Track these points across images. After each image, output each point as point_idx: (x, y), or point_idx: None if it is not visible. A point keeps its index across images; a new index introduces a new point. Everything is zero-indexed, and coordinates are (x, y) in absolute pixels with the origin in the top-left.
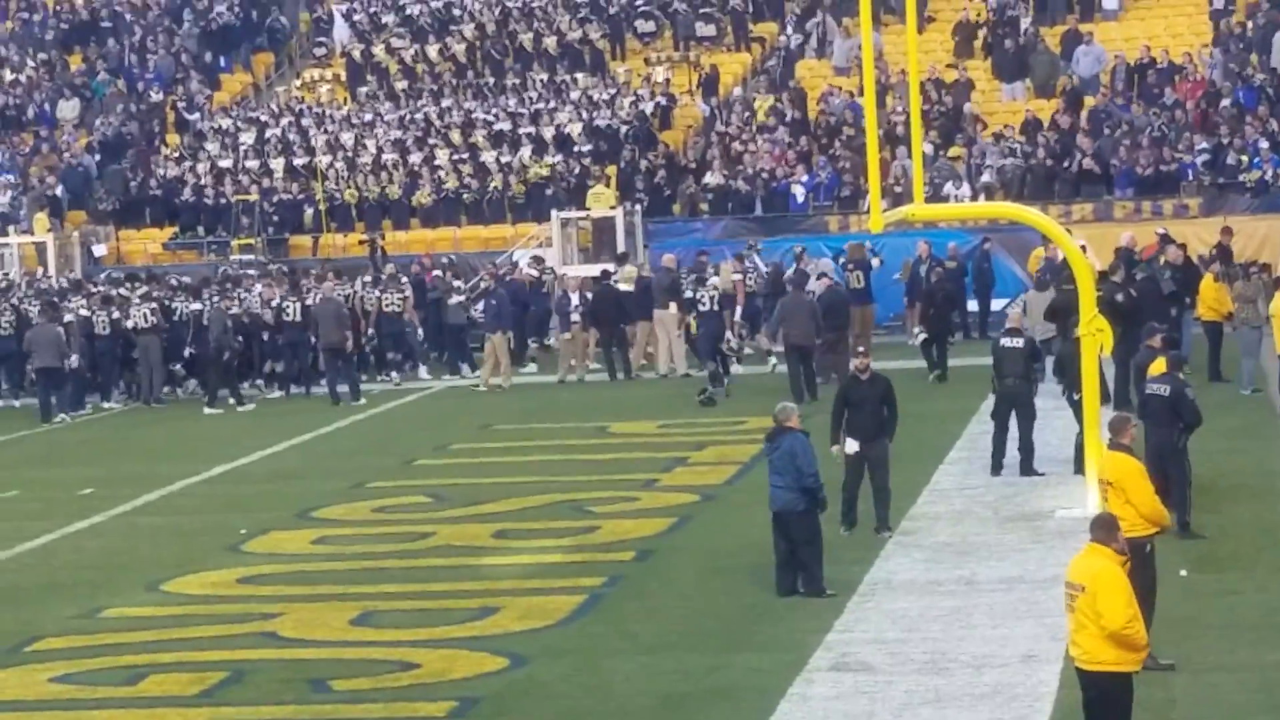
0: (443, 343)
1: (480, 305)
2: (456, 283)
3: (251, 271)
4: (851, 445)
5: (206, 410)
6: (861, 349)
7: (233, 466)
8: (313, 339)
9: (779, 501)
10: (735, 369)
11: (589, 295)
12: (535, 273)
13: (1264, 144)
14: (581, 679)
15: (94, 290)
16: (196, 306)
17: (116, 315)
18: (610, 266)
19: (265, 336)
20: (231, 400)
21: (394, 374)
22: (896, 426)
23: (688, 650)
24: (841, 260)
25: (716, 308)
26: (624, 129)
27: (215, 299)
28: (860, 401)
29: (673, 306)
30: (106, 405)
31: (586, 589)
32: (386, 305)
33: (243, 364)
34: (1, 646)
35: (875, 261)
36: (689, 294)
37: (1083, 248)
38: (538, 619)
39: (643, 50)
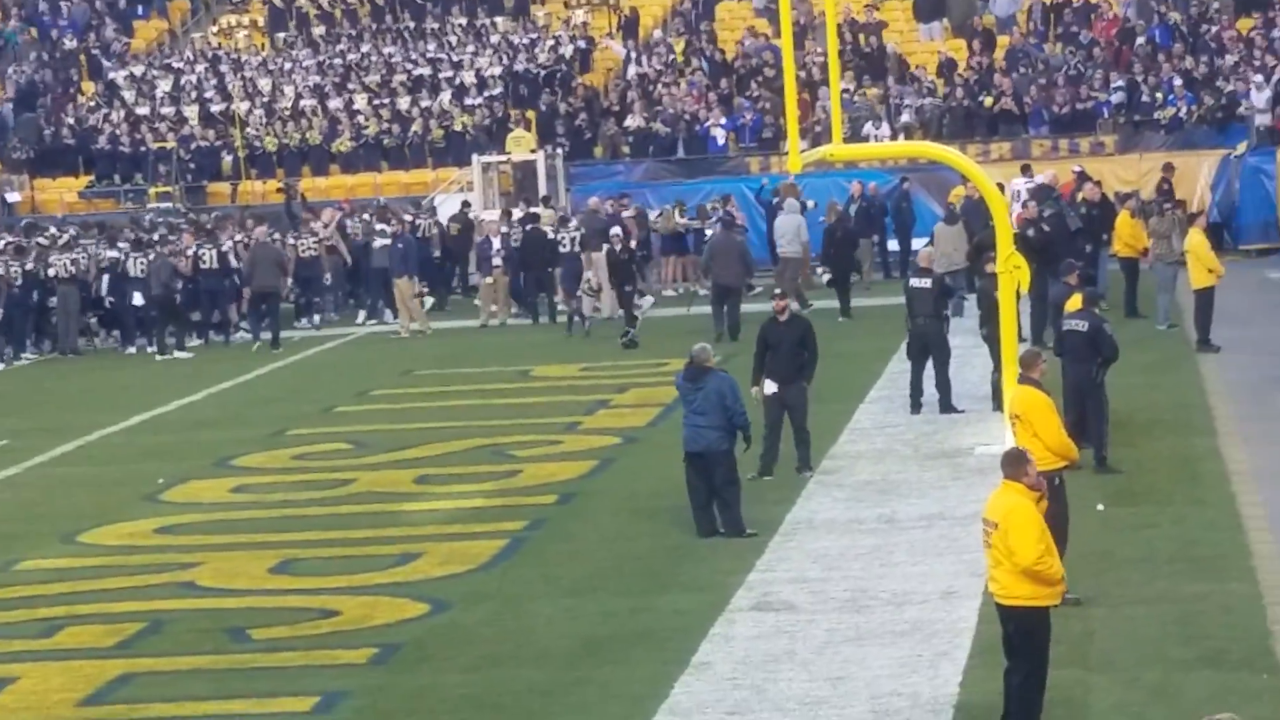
0: (365, 288)
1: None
2: (380, 226)
3: (174, 220)
4: (770, 386)
5: (159, 358)
6: (779, 290)
7: (151, 416)
8: (237, 285)
9: (701, 441)
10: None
11: (514, 239)
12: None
13: (1178, 81)
14: (503, 623)
15: (9, 241)
16: (113, 254)
17: (31, 266)
18: (536, 209)
19: (180, 285)
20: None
21: (316, 318)
22: (815, 368)
23: (610, 593)
24: (775, 200)
25: (577, 249)
26: (543, 73)
27: (159, 247)
28: (778, 343)
29: (604, 249)
30: (23, 356)
31: (508, 533)
32: (303, 251)
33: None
34: None
35: (809, 204)
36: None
37: (1000, 186)
38: (459, 564)
39: None
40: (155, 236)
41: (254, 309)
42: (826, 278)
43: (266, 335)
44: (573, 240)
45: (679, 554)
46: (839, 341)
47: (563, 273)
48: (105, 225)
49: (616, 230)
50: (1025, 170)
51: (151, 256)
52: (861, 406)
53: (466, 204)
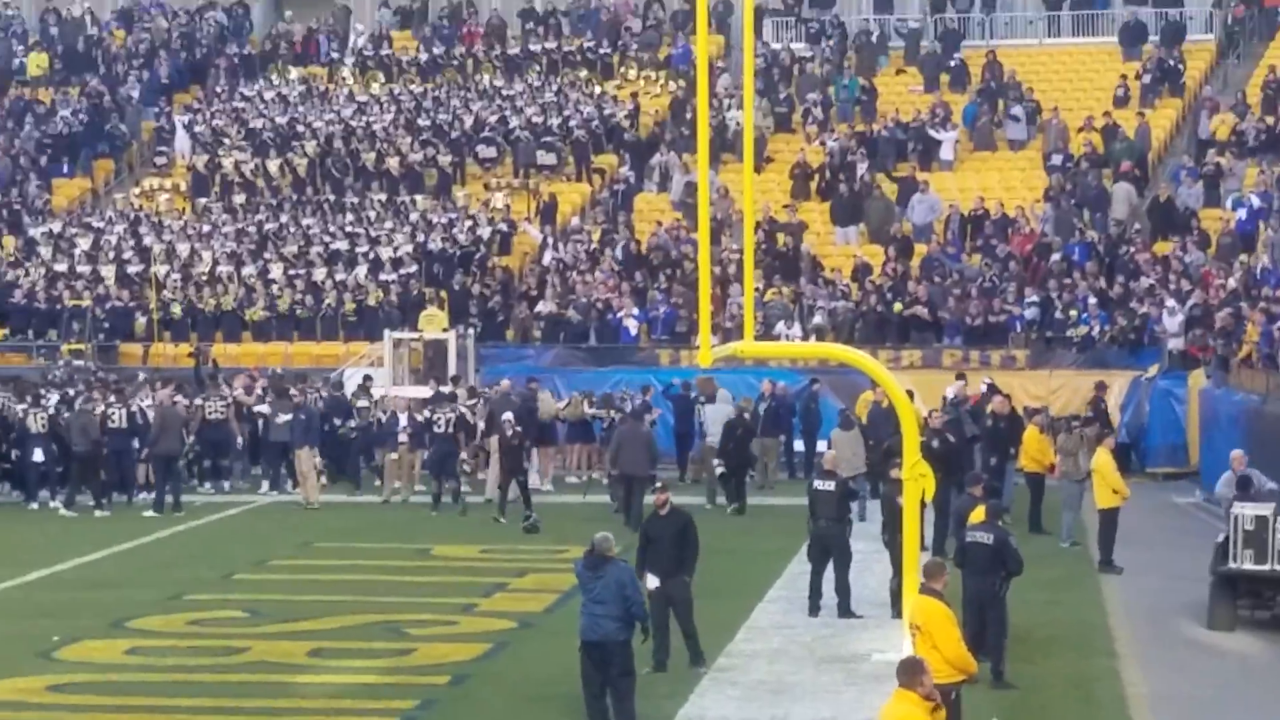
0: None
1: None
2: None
3: (87, 378)
4: (652, 581)
5: (63, 512)
6: (659, 484)
7: (49, 572)
8: (137, 446)
9: (599, 631)
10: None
11: (419, 417)
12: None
13: (1092, 300)
14: None
15: None
16: (20, 408)
17: None
18: (446, 388)
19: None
20: (155, 501)
21: (224, 483)
22: (695, 563)
23: None
24: (693, 394)
25: (451, 430)
26: (459, 253)
27: (81, 401)
28: (658, 536)
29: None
30: None
31: (398, 711)
32: (210, 413)
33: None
34: None
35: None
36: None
37: (910, 394)
38: None
39: (483, 175)
40: (71, 392)
41: (159, 472)
42: (720, 470)
43: (168, 498)
44: (447, 421)
45: None
46: (739, 538)
47: (433, 453)
48: (18, 379)
49: (508, 415)
50: (960, 378)
51: (71, 412)
52: (760, 605)
53: (368, 378)
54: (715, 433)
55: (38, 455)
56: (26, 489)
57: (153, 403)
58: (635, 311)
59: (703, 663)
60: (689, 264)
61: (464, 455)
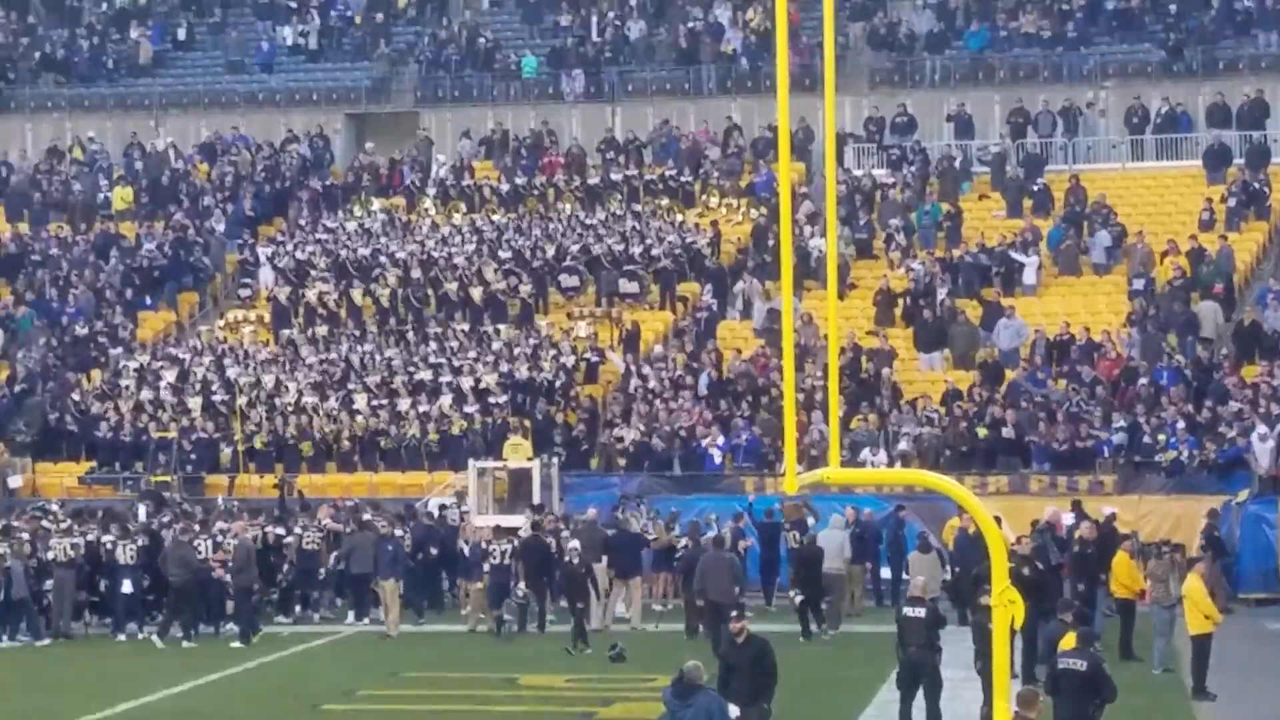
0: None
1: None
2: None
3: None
4: (732, 710)
5: (157, 642)
6: (735, 613)
7: (137, 704)
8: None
9: None
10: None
11: (513, 545)
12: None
13: (1180, 424)
14: None
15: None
16: (109, 539)
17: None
18: (537, 517)
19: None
20: (240, 633)
21: (314, 614)
22: (773, 690)
23: None
24: (784, 523)
25: (507, 561)
26: (543, 381)
27: (177, 531)
28: (736, 666)
29: (604, 560)
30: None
31: None
32: (306, 543)
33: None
34: None
35: (811, 520)
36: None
37: (997, 519)
38: None
39: (566, 304)
40: (163, 520)
41: (242, 603)
42: (799, 599)
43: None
44: (503, 553)
45: None
46: (828, 668)
47: (490, 584)
48: (108, 510)
49: (575, 544)
50: (1075, 506)
51: (167, 541)
52: None
53: (444, 507)
54: (832, 554)
55: (127, 586)
56: (115, 620)
57: (231, 533)
58: (720, 440)
59: None
60: (773, 391)
61: (518, 588)
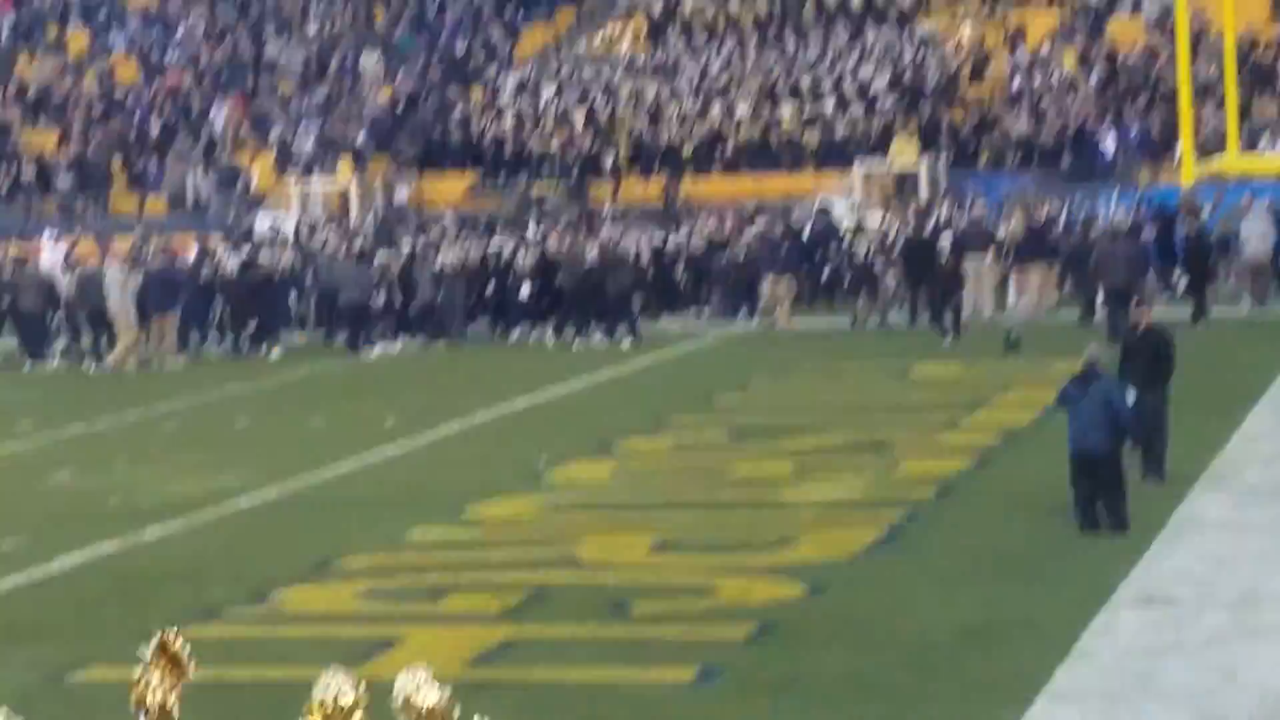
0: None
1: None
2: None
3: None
4: (1130, 395)
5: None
6: (1138, 299)
7: (533, 401)
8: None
9: (1087, 443)
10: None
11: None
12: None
13: None
14: (880, 607)
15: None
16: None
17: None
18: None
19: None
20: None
21: (704, 309)
22: (1170, 379)
23: (989, 582)
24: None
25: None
26: (929, 83)
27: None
28: (1135, 354)
29: (990, 252)
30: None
31: (885, 522)
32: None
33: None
34: (311, 562)
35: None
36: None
37: None
38: (836, 549)
39: (948, 7)
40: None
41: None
42: (1184, 282)
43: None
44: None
45: (1059, 547)
46: (1230, 350)
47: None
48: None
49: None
50: None
51: (554, 247)
52: (1253, 410)
53: (824, 211)
54: (1249, 242)
55: (524, 291)
56: (508, 323)
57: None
58: (1112, 132)
59: (1162, 480)
60: (1165, 81)
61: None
